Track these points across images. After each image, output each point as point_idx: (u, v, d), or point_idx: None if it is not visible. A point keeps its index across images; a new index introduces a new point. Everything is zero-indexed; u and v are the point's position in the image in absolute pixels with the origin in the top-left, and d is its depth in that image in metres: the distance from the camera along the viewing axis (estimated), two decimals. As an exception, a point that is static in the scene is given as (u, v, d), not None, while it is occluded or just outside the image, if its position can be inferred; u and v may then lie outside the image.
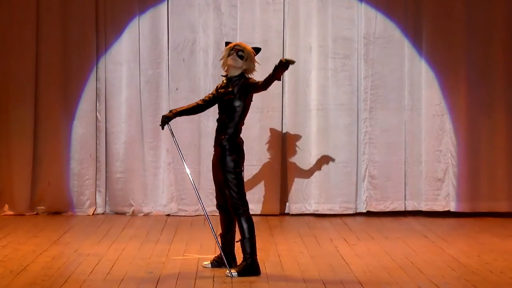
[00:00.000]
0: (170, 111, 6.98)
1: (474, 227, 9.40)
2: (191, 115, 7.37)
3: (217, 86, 6.98)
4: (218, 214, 7.08)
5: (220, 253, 6.94)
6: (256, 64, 6.91)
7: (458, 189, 10.10)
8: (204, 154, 10.01)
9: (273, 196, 10.16)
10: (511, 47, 10.10)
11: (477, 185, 10.12)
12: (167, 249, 7.88)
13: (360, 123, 10.19)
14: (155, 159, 10.16)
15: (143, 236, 8.67)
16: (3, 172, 10.11)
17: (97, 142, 10.18)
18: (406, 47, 10.15)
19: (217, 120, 6.91)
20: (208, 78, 10.10)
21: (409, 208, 10.21)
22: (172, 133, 7.12)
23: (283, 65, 6.49)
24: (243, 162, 6.86)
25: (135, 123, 10.13)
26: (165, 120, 6.90)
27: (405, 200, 10.21)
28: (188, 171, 7.32)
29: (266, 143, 10.08)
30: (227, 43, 7.03)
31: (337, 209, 10.16)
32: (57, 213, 10.14)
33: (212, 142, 6.99)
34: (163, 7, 10.09)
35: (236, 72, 6.85)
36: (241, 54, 6.80)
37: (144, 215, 10.12)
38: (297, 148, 10.15)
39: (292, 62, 6.48)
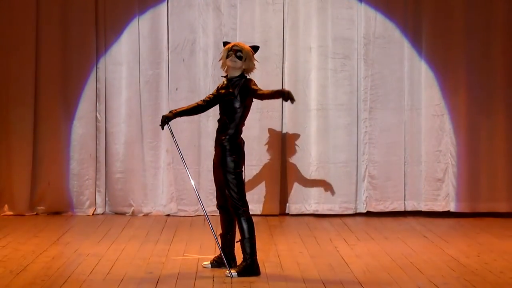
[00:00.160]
0: (170, 111, 6.98)
1: (473, 227, 9.40)
2: (191, 115, 7.39)
3: (217, 87, 6.98)
4: (218, 214, 7.09)
5: (220, 253, 6.94)
6: (255, 63, 6.90)
7: (457, 189, 10.10)
8: (204, 154, 10.02)
9: (273, 197, 10.17)
10: (510, 48, 10.10)
11: (476, 185, 10.12)
12: (167, 249, 7.88)
13: (360, 123, 10.19)
14: (155, 159, 10.16)
15: (143, 236, 8.67)
16: (3, 172, 10.12)
17: (97, 142, 10.18)
18: (406, 47, 10.16)
19: (218, 121, 6.91)
20: (208, 78, 10.10)
21: (409, 208, 10.21)
22: (172, 134, 7.12)
23: (283, 97, 6.51)
24: (244, 163, 6.86)
25: (135, 123, 10.13)
26: (165, 120, 6.90)
27: (404, 200, 10.21)
28: (188, 171, 7.31)
29: (266, 143, 10.08)
30: (225, 43, 7.01)
31: (337, 209, 10.16)
32: (57, 213, 10.14)
33: (212, 142, 7.00)
34: (163, 7, 10.09)
35: (236, 73, 6.85)
36: (240, 54, 6.80)
37: (143, 215, 10.12)
38: (297, 148, 10.15)
39: (293, 100, 6.49)
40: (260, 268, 6.80)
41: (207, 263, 7.07)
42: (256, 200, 10.04)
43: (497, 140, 10.14)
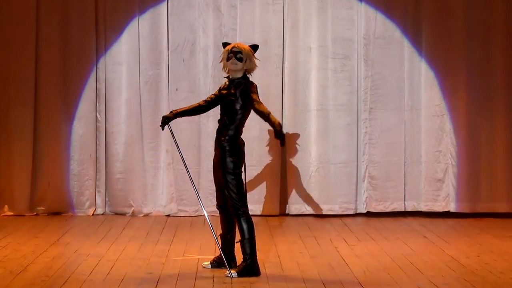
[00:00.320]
0: (171, 111, 6.98)
1: (473, 228, 9.40)
2: (192, 116, 7.38)
3: (219, 87, 6.97)
4: (218, 214, 7.09)
5: (220, 254, 6.94)
6: (256, 61, 6.89)
7: (458, 189, 10.10)
8: (204, 154, 10.02)
9: (273, 197, 10.16)
10: (510, 48, 10.10)
11: (477, 186, 10.12)
12: (167, 250, 7.88)
13: (360, 124, 10.19)
14: (155, 160, 10.16)
15: (143, 237, 8.67)
16: (3, 172, 10.11)
17: (97, 142, 10.18)
18: (406, 48, 10.15)
19: (218, 121, 6.90)
20: (208, 79, 10.10)
21: (409, 209, 10.21)
22: (172, 134, 7.11)
23: (275, 132, 6.74)
24: (243, 163, 6.85)
25: (135, 123, 10.13)
26: (165, 120, 6.89)
27: (405, 200, 10.21)
28: (188, 172, 7.30)
29: (266, 144, 10.08)
30: (224, 44, 7.00)
31: (337, 210, 10.16)
32: (57, 213, 10.14)
33: (212, 143, 7.00)
34: (162, 7, 10.09)
35: (238, 74, 6.85)
36: (240, 56, 6.79)
37: (144, 216, 10.12)
38: (297, 149, 10.15)
39: (282, 143, 6.76)
40: (260, 268, 6.80)
41: (207, 263, 7.07)
42: (256, 201, 10.04)
43: (497, 141, 10.14)
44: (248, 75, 6.88)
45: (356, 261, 7.36)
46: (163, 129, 6.99)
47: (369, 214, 10.18)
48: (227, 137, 6.78)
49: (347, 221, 9.85)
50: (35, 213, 10.13)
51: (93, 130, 10.16)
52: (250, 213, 6.91)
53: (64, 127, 10.12)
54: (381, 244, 8.28)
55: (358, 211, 10.23)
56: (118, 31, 10.09)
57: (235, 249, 6.99)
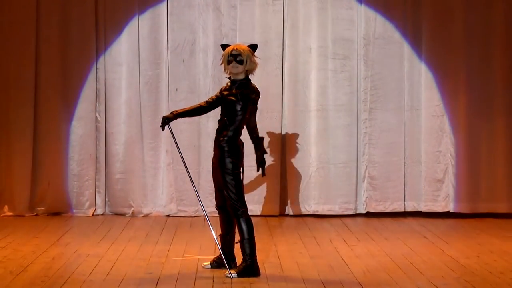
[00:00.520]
0: (171, 112, 6.98)
1: (473, 228, 9.40)
2: (193, 116, 7.38)
3: (221, 89, 6.96)
4: (217, 214, 7.08)
5: (220, 254, 6.94)
6: (257, 60, 6.88)
7: (457, 189, 10.10)
8: (203, 155, 10.02)
9: (273, 197, 10.16)
10: (509, 49, 10.10)
11: (476, 186, 10.12)
12: (167, 250, 7.88)
13: (360, 124, 10.19)
14: (155, 160, 10.16)
15: (143, 237, 8.67)
16: (3, 172, 10.11)
17: (97, 142, 10.18)
18: (406, 48, 10.16)
19: (218, 121, 6.90)
20: (208, 79, 10.10)
21: (409, 209, 10.21)
22: (172, 134, 7.11)
23: (256, 158, 6.93)
24: (242, 164, 6.85)
25: (135, 123, 10.13)
26: (165, 121, 6.89)
27: (404, 200, 10.21)
28: (188, 172, 7.29)
29: (266, 144, 10.08)
30: (223, 46, 6.99)
31: (336, 210, 10.16)
32: (56, 214, 10.14)
33: (212, 143, 6.99)
34: (162, 7, 10.09)
35: (240, 76, 6.84)
36: (240, 59, 6.79)
37: (143, 216, 10.12)
38: (296, 149, 10.15)
39: (263, 173, 6.98)
40: (260, 268, 6.80)
41: (207, 263, 7.08)
42: (256, 201, 10.04)
43: (497, 141, 10.14)
44: (249, 75, 6.87)
45: (356, 262, 7.36)
46: (163, 129, 6.99)
47: (369, 215, 10.18)
48: (226, 138, 6.78)
49: (347, 221, 9.85)
50: (35, 214, 10.13)
51: (93, 130, 10.16)
52: (250, 213, 6.91)
53: (64, 127, 10.12)
54: (381, 244, 8.29)
55: (358, 212, 10.23)
56: (118, 31, 10.09)
57: (235, 249, 6.99)
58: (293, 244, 8.27)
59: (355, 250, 7.94)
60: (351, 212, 10.17)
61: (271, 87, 10.10)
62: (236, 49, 6.82)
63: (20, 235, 8.66)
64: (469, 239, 8.62)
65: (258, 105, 6.99)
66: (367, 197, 10.20)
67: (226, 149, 6.76)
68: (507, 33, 10.09)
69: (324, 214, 10.11)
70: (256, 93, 6.86)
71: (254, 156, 9.66)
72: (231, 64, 6.81)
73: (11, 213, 10.08)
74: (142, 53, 10.11)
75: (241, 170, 6.80)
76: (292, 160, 10.16)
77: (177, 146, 7.20)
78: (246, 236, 6.70)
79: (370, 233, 8.97)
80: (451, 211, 10.13)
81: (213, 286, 6.43)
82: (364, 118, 10.17)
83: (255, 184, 10.01)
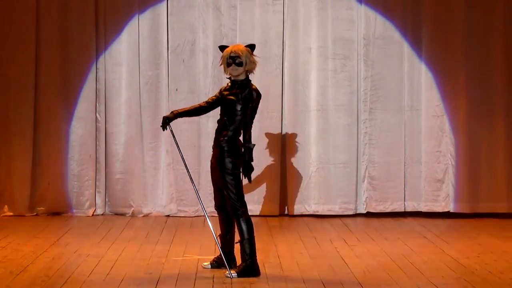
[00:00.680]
0: (172, 112, 6.98)
1: (473, 228, 9.40)
2: (193, 116, 7.38)
3: (220, 89, 6.97)
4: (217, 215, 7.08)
5: (220, 254, 6.94)
6: (257, 59, 6.88)
7: (457, 189, 10.10)
8: (203, 155, 10.01)
9: (273, 197, 10.16)
10: (509, 49, 10.10)
11: (476, 186, 10.12)
12: (167, 250, 7.88)
13: (360, 124, 10.19)
14: (155, 160, 10.16)
15: (143, 237, 8.67)
16: (3, 172, 10.12)
17: (97, 143, 10.18)
18: (406, 48, 10.15)
19: (218, 121, 6.90)
20: (208, 79, 10.10)
21: (409, 209, 10.21)
22: (173, 134, 7.11)
23: (244, 161, 6.78)
24: (242, 164, 6.84)
25: (135, 124, 10.13)
26: (166, 121, 6.89)
27: (404, 201, 10.21)
28: (189, 172, 7.29)
29: (266, 144, 10.08)
30: (221, 48, 6.98)
31: (336, 210, 10.16)
32: (56, 214, 10.14)
33: (212, 143, 6.99)
34: (162, 7, 10.09)
35: (240, 77, 6.84)
36: (239, 61, 6.79)
37: (143, 216, 10.12)
38: (296, 149, 10.15)
39: (249, 180, 6.83)
40: (260, 268, 6.80)
41: (207, 263, 7.08)
42: (256, 201, 10.04)
43: (497, 141, 10.14)
44: (249, 74, 6.87)
45: (356, 262, 7.36)
46: (164, 129, 6.98)
47: (369, 215, 10.18)
48: (226, 138, 6.78)
49: (347, 221, 9.85)
50: (35, 213, 10.13)
51: (93, 131, 10.16)
52: (250, 213, 6.91)
53: (64, 127, 10.12)
54: (381, 244, 8.29)
55: (358, 212, 10.23)
56: (118, 31, 10.09)
57: (234, 249, 6.99)
58: (293, 244, 8.27)
59: (355, 250, 7.94)
60: (351, 212, 10.17)
61: (271, 87, 10.10)
62: (235, 51, 6.81)
63: (20, 235, 8.66)
64: (469, 239, 8.62)
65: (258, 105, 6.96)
66: (367, 197, 10.20)
67: (226, 149, 6.76)
68: (507, 33, 10.09)
69: (324, 214, 10.11)
70: (257, 95, 6.84)
71: (254, 156, 9.65)
72: (230, 67, 6.81)
73: (11, 213, 10.08)
74: (142, 53, 10.11)
75: (240, 170, 6.80)
76: (292, 160, 10.17)
77: (178, 146, 7.20)
78: (246, 236, 6.70)
79: (370, 233, 8.97)
80: (451, 211, 10.13)
81: (213, 286, 6.43)
82: (364, 118, 10.17)
83: (255, 184, 10.00)
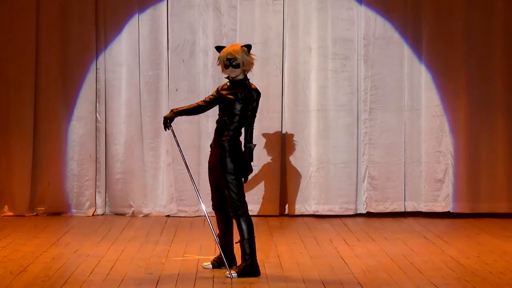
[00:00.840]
0: (171, 110, 6.98)
1: (473, 228, 9.40)
2: (192, 115, 7.40)
3: (217, 88, 6.97)
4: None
5: (220, 254, 6.94)
6: (254, 58, 6.86)
7: (458, 190, 10.10)
8: (203, 154, 10.00)
9: (273, 197, 10.16)
10: (509, 49, 10.10)
11: (477, 186, 10.12)
12: (167, 250, 7.88)
13: (360, 124, 10.19)
14: (155, 160, 10.16)
15: (143, 237, 8.67)
16: (3, 173, 10.12)
17: (97, 143, 10.18)
18: (406, 48, 10.15)
19: (217, 121, 6.90)
20: (208, 79, 10.10)
21: (409, 209, 10.21)
22: (174, 135, 7.10)
23: (244, 161, 6.74)
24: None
25: (135, 124, 10.13)
26: (167, 121, 6.89)
27: (404, 201, 10.21)
28: (189, 172, 7.29)
29: (266, 144, 10.08)
30: (217, 48, 6.98)
31: (337, 210, 10.16)
32: (57, 214, 10.14)
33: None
34: (162, 7, 10.09)
35: (239, 77, 6.85)
36: (236, 63, 6.80)
37: (143, 216, 10.12)
38: (296, 149, 10.15)
39: (245, 180, 6.77)
40: (260, 268, 6.80)
41: (207, 263, 7.08)
42: (256, 201, 10.04)
43: (497, 141, 10.14)
44: (248, 73, 6.87)
45: (356, 261, 7.36)
46: (166, 130, 6.97)
47: (369, 215, 10.18)
48: (227, 138, 6.78)
49: (347, 221, 9.85)
50: (35, 213, 10.13)
51: (93, 131, 10.16)
52: (250, 213, 6.91)
53: (64, 127, 10.12)
54: (381, 244, 8.29)
55: (358, 212, 10.23)
56: (118, 31, 10.09)
57: (234, 249, 6.98)
58: (293, 244, 8.27)
59: (355, 250, 7.94)
60: (351, 212, 10.17)
61: (271, 87, 10.10)
62: (231, 53, 6.81)
63: (20, 235, 8.66)
64: (469, 239, 8.62)
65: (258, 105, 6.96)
66: (367, 197, 10.20)
67: (227, 148, 6.77)
68: (507, 33, 10.09)
69: (324, 214, 10.12)
70: (257, 94, 6.84)
71: (254, 156, 9.64)
72: (228, 69, 6.83)
73: (11, 213, 10.08)
74: (142, 53, 10.12)
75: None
76: (292, 160, 10.16)
77: (178, 146, 7.20)
78: (246, 236, 6.71)
79: (370, 233, 8.97)
80: (451, 211, 10.13)
81: (213, 286, 6.43)
82: (364, 118, 10.17)
83: (255, 184, 10.01)
